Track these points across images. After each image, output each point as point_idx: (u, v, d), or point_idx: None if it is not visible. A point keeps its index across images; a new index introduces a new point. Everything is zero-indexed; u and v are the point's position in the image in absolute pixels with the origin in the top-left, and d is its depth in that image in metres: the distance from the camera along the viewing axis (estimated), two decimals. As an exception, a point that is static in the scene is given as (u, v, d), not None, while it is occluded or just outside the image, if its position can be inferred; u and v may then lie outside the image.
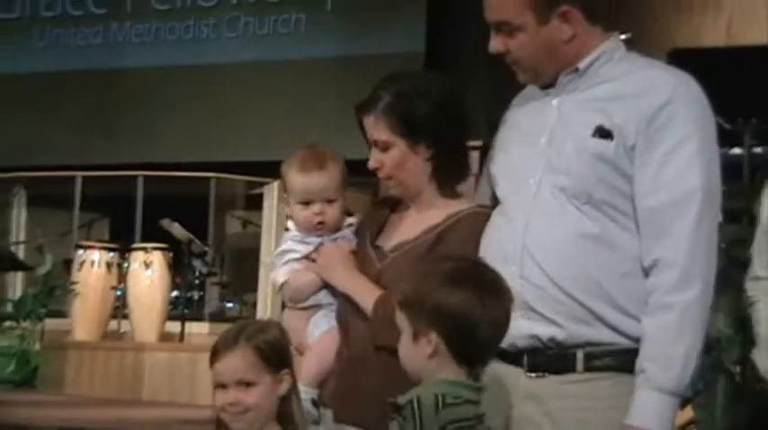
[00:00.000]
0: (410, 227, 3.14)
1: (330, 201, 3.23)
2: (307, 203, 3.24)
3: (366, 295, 3.06)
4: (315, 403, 3.13)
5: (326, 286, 3.19)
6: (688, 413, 4.09)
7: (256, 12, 12.19)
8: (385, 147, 3.10)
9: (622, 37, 3.09)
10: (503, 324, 2.69)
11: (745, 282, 3.48)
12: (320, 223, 3.23)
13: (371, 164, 3.13)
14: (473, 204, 3.12)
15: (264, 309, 8.30)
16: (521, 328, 2.80)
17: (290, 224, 3.39)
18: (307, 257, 3.25)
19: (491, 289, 2.68)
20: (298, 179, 3.25)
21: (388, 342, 2.83)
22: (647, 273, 2.82)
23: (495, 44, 2.94)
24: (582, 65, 2.93)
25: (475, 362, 2.69)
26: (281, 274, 3.26)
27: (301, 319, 3.25)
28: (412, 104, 3.07)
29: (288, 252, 3.28)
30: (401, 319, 2.70)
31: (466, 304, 2.64)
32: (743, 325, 4.03)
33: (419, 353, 2.66)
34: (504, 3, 2.91)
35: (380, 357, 2.98)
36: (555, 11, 2.89)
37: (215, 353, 2.96)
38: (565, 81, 2.95)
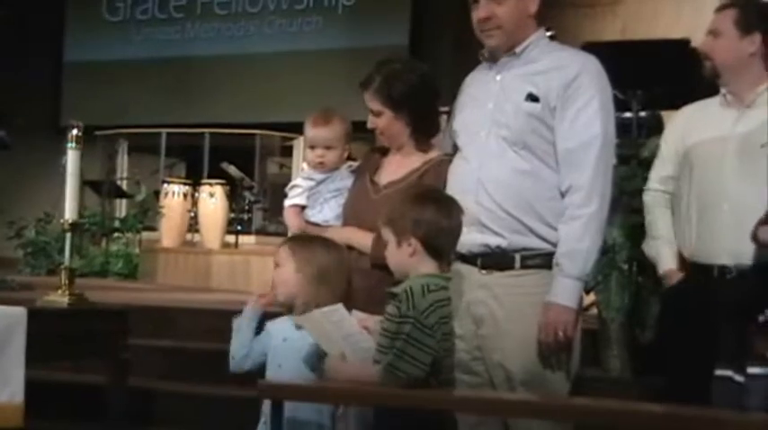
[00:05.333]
0: (396, 169, 3.09)
1: (329, 148, 3.21)
2: (313, 147, 3.24)
3: (363, 239, 3.00)
4: None
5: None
6: (592, 297, 4.08)
7: (288, 16, 12.05)
8: (377, 114, 3.06)
9: (549, 33, 3.03)
10: (458, 228, 2.68)
11: (644, 191, 3.36)
12: (320, 163, 3.22)
13: (369, 124, 3.09)
14: (441, 153, 3.07)
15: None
16: (475, 239, 2.77)
17: (303, 165, 3.37)
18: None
19: (449, 204, 2.68)
20: (308, 130, 3.26)
21: (380, 261, 2.79)
22: (563, 196, 2.78)
23: (483, 11, 2.85)
24: (518, 50, 2.88)
25: (443, 257, 2.67)
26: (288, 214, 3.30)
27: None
28: (394, 86, 3.02)
29: (294, 187, 3.30)
30: (386, 233, 2.68)
31: (435, 215, 2.63)
32: (630, 236, 4.00)
33: (403, 254, 2.65)
34: None
35: (373, 271, 2.93)
36: None
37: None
38: (505, 61, 2.89)
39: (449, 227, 2.65)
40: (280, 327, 2.96)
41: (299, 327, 2.86)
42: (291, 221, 3.30)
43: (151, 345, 4.80)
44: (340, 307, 2.75)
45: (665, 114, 5.15)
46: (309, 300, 2.86)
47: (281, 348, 2.92)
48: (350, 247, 3.04)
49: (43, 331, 3.03)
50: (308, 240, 3.01)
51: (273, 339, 2.95)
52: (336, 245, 2.97)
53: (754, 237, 2.86)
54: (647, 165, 3.65)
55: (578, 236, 2.74)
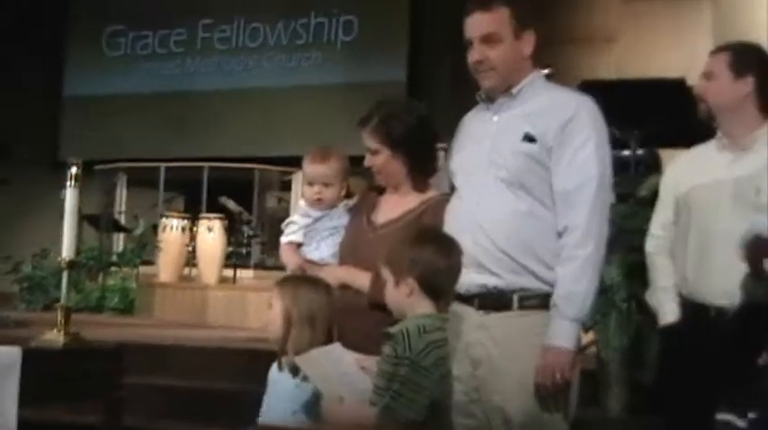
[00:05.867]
0: (393, 208, 3.09)
1: (327, 185, 3.21)
2: (311, 184, 3.22)
3: (360, 278, 2.99)
4: None
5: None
6: (590, 336, 4.05)
7: (287, 51, 12.10)
8: (374, 153, 3.06)
9: (546, 71, 3.04)
10: (457, 269, 2.67)
11: (646, 239, 3.34)
12: (318, 199, 3.21)
13: (366, 163, 3.10)
14: (438, 193, 3.07)
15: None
16: (473, 279, 2.75)
17: (301, 202, 3.36)
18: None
19: (448, 245, 2.67)
20: (306, 167, 3.26)
21: (378, 301, 2.79)
22: (560, 236, 2.76)
23: (476, 55, 2.86)
24: (515, 90, 2.88)
25: (440, 297, 2.65)
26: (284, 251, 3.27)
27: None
28: (392, 125, 3.03)
29: (291, 224, 3.28)
30: (385, 273, 2.67)
31: (433, 255, 2.62)
32: (629, 274, 3.99)
33: (401, 294, 2.64)
34: (494, 19, 2.83)
35: (370, 311, 2.91)
36: (527, 30, 2.85)
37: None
38: (502, 102, 2.89)
39: (447, 267, 2.64)
40: (272, 370, 2.95)
41: (295, 372, 2.84)
42: (288, 258, 3.27)
43: (147, 384, 4.77)
44: (338, 346, 2.74)
45: (662, 152, 5.17)
46: (296, 341, 2.85)
47: (270, 391, 2.92)
48: (347, 287, 3.03)
49: (38, 372, 2.99)
50: (296, 281, 3.00)
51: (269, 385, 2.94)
52: (325, 285, 2.95)
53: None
54: (645, 203, 3.66)
55: (575, 277, 2.73)
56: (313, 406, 2.78)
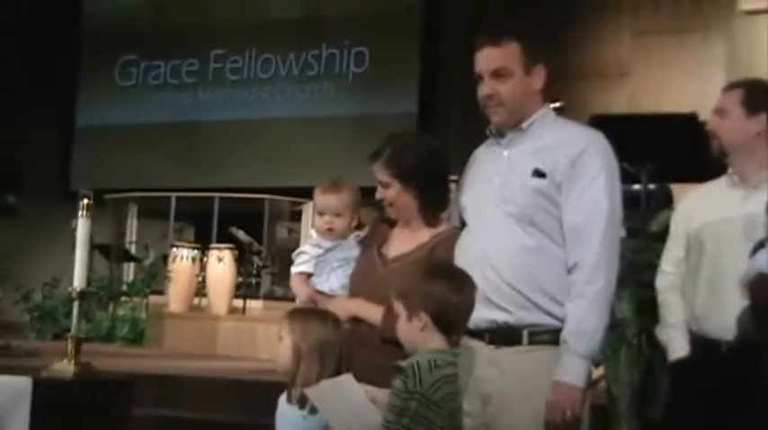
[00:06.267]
0: (404, 242, 3.09)
1: (338, 215, 3.22)
2: (322, 214, 3.24)
3: (372, 312, 3.00)
4: None
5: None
6: (600, 371, 4.05)
7: (299, 82, 12.15)
8: (386, 186, 3.07)
9: (557, 104, 3.05)
10: (470, 304, 2.67)
11: (657, 274, 3.37)
12: (329, 229, 3.23)
13: (377, 196, 3.11)
14: (450, 226, 3.08)
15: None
16: (482, 315, 2.76)
17: (312, 232, 3.38)
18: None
19: (461, 279, 2.67)
20: (318, 197, 3.28)
21: (390, 336, 2.79)
22: (570, 272, 2.77)
23: (486, 89, 2.88)
24: (524, 125, 2.90)
25: (453, 332, 2.66)
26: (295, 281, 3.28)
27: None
28: (404, 158, 3.04)
29: (301, 254, 3.30)
30: (398, 307, 2.68)
31: (446, 291, 2.62)
32: (640, 309, 3.99)
33: (413, 328, 2.64)
34: (504, 54, 2.85)
35: (382, 344, 2.91)
36: (537, 65, 2.87)
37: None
38: (512, 137, 2.91)
39: (460, 302, 2.64)
40: (280, 402, 2.97)
41: (302, 404, 2.85)
42: (298, 289, 3.29)
43: (157, 415, 4.78)
44: (348, 377, 2.74)
45: (674, 187, 5.18)
46: (305, 374, 2.86)
47: (278, 423, 2.93)
48: (358, 319, 3.04)
49: (48, 403, 3.02)
50: (305, 314, 3.00)
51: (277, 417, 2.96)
52: (335, 318, 2.95)
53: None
54: (656, 238, 3.67)
55: (585, 313, 2.73)
56: None
